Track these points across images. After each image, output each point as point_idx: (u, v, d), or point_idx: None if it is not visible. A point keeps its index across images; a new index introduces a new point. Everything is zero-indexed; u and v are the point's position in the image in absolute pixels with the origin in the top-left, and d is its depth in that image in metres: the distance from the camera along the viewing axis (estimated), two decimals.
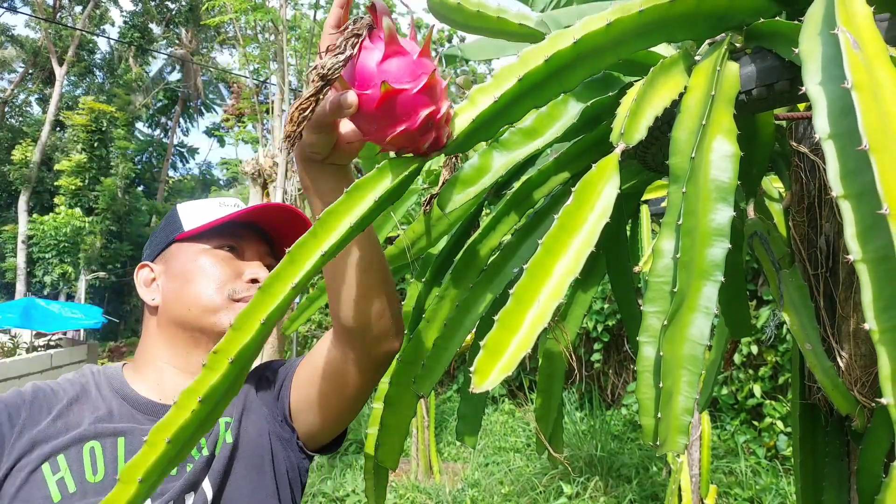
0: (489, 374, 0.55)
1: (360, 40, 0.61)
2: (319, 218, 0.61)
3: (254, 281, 0.92)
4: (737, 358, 4.69)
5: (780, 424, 4.48)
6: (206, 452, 0.86)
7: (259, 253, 0.97)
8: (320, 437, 0.94)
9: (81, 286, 17.12)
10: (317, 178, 0.73)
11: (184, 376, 0.89)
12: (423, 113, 0.62)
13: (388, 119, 0.63)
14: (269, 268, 0.96)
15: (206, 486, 0.83)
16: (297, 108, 0.61)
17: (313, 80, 0.60)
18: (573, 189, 0.63)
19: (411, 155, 0.68)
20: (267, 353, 5.20)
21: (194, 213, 0.95)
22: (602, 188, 0.63)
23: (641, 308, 0.65)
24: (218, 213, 0.95)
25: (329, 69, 0.59)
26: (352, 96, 0.61)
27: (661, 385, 0.61)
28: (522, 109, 0.71)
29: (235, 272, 0.91)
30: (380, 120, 0.63)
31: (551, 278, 0.60)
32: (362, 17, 0.62)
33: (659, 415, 0.61)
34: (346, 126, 0.71)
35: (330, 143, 0.71)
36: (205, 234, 0.92)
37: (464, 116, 0.68)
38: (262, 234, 0.99)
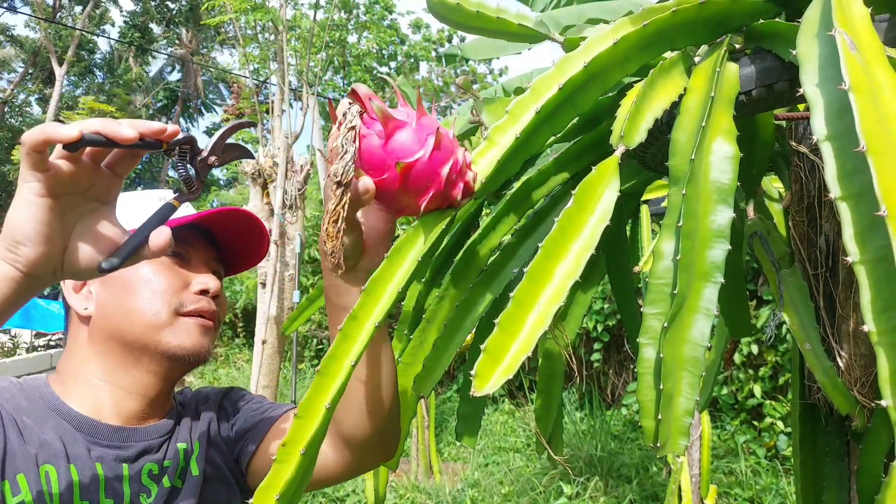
0: (490, 377, 0.55)
1: (357, 131, 0.61)
2: (365, 288, 0.61)
3: (203, 292, 0.84)
4: (737, 358, 4.69)
5: (780, 424, 4.48)
6: (167, 484, 0.80)
7: (206, 259, 0.89)
8: None
9: None
10: (348, 291, 0.71)
11: (122, 394, 0.81)
12: (445, 170, 0.63)
13: (415, 191, 0.63)
14: (216, 274, 0.89)
15: None
16: (328, 222, 0.61)
17: (332, 190, 0.60)
18: (573, 192, 0.63)
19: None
20: (267, 354, 5.20)
21: (132, 209, 0.79)
22: (602, 191, 0.64)
23: (642, 309, 0.65)
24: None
25: (343, 174, 0.59)
26: (365, 181, 0.61)
27: (661, 387, 0.61)
28: (542, 139, 0.72)
29: (182, 282, 0.83)
30: (407, 195, 0.64)
31: (551, 282, 0.60)
32: (349, 107, 0.62)
33: (660, 416, 0.61)
34: (371, 220, 0.70)
35: (359, 244, 0.69)
36: None
37: (487, 157, 0.68)
38: (209, 237, 0.91)
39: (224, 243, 0.94)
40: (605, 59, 0.69)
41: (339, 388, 0.59)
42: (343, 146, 0.60)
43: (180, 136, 0.60)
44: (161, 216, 0.60)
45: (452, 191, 0.65)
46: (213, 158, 0.65)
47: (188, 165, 0.63)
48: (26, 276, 0.53)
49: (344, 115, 0.61)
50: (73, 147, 0.51)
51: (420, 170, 0.62)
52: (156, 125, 0.55)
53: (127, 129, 0.52)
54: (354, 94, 0.63)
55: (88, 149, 0.54)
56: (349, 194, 0.60)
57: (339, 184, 0.60)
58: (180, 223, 0.83)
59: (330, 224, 0.61)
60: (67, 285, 0.82)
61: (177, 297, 0.82)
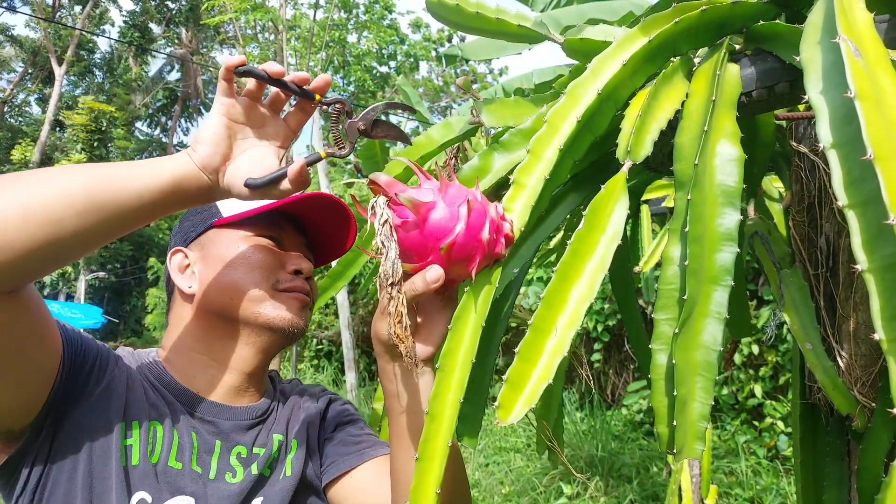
0: (513, 408, 0.56)
1: (391, 224, 0.61)
2: (439, 366, 0.61)
3: (297, 272, 0.88)
4: (737, 358, 4.68)
5: (780, 424, 4.48)
6: (254, 472, 0.82)
7: (298, 244, 0.93)
8: None
9: (81, 286, 17.11)
10: (411, 376, 0.70)
11: (221, 368, 0.85)
12: (485, 234, 0.62)
13: (463, 261, 0.63)
14: (308, 259, 0.92)
15: None
16: (394, 325, 0.60)
17: (387, 292, 0.60)
18: (584, 212, 0.64)
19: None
20: None
21: (232, 201, 0.90)
22: (612, 211, 0.64)
23: (652, 316, 0.65)
24: (256, 202, 0.91)
25: (394, 274, 0.59)
26: (434, 272, 0.62)
27: (675, 392, 0.61)
28: (566, 170, 0.72)
29: (278, 262, 0.87)
30: (456, 267, 0.63)
31: (567, 306, 0.60)
32: (375, 201, 0.62)
33: (675, 422, 0.61)
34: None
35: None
36: (245, 222, 0.89)
37: (519, 201, 0.68)
38: (299, 226, 0.95)
39: (312, 232, 0.97)
40: (617, 80, 0.70)
41: (442, 469, 0.59)
42: (384, 245, 0.60)
43: (332, 95, 0.69)
44: (308, 161, 0.68)
45: (496, 249, 0.64)
46: (361, 124, 0.70)
47: (338, 124, 0.69)
48: (199, 169, 0.67)
49: (373, 208, 0.61)
50: (239, 72, 0.66)
51: (462, 243, 0.61)
52: (300, 74, 0.68)
53: (279, 67, 0.67)
54: (375, 185, 0.63)
55: (269, 98, 0.71)
56: (404, 290, 0.61)
57: (392, 284, 0.60)
58: (272, 208, 0.89)
59: (397, 327, 0.60)
60: (173, 267, 0.89)
61: (274, 275, 0.86)
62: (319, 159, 0.69)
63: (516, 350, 0.58)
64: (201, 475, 0.78)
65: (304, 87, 0.68)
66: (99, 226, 0.62)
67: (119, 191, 0.63)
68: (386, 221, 0.61)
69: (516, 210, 0.67)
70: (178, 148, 27.59)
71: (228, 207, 0.90)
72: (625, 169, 0.66)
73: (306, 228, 0.96)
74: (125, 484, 0.73)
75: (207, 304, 0.85)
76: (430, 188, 0.64)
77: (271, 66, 0.67)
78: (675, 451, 0.62)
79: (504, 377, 0.57)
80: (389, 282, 0.59)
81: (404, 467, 0.73)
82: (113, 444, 0.74)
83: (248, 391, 0.87)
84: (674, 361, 0.61)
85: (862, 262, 0.46)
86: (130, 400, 0.78)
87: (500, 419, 0.55)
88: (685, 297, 0.60)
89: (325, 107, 0.69)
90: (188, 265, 0.88)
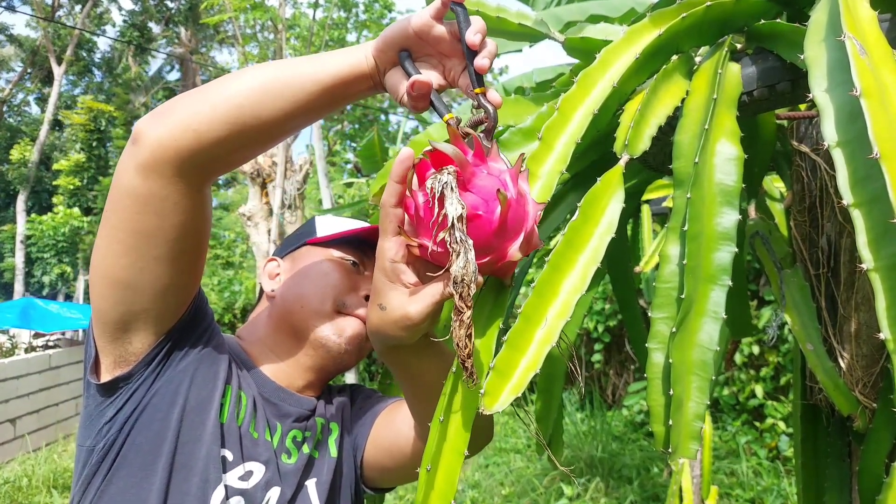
0: (499, 395, 0.55)
1: (466, 218, 0.54)
2: (470, 369, 0.56)
3: (367, 297, 0.89)
4: (738, 358, 4.68)
5: (781, 425, 4.47)
6: (306, 451, 0.87)
7: None
8: (380, 483, 0.97)
9: (80, 286, 17.10)
10: (417, 357, 0.71)
11: (282, 366, 0.90)
12: (531, 208, 0.58)
13: (511, 232, 0.58)
14: None
15: (313, 493, 0.85)
16: (463, 337, 0.53)
17: (464, 301, 0.53)
18: (578, 204, 0.63)
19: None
20: None
21: (329, 224, 0.99)
22: (607, 203, 0.64)
23: (649, 314, 0.65)
24: (349, 224, 0.98)
25: (473, 278, 0.52)
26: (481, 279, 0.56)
27: (671, 392, 0.61)
28: (570, 159, 0.72)
29: (352, 285, 0.91)
30: (503, 238, 0.58)
31: (558, 297, 0.60)
32: (444, 183, 0.54)
33: (670, 422, 0.61)
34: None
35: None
36: (334, 243, 0.94)
37: (533, 192, 0.66)
38: None
39: None
40: (629, 73, 0.70)
41: (450, 484, 0.59)
42: (461, 243, 0.52)
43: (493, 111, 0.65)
44: (433, 95, 0.67)
45: (534, 238, 0.59)
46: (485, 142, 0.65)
47: (470, 125, 0.65)
48: (373, 60, 0.69)
49: (435, 196, 0.54)
50: (452, 7, 0.65)
51: (514, 213, 0.57)
52: (485, 62, 0.65)
53: (476, 37, 0.64)
54: (438, 156, 0.56)
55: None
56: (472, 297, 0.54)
57: (468, 287, 0.52)
58: (356, 232, 0.93)
59: (467, 339, 0.53)
60: (264, 272, 0.97)
61: (343, 296, 0.89)
62: (441, 113, 0.65)
63: (504, 338, 0.58)
64: (270, 448, 0.83)
65: (481, 74, 0.65)
66: (278, 112, 0.66)
67: (297, 78, 0.66)
68: (462, 216, 0.53)
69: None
70: None
71: (324, 229, 0.97)
72: (622, 162, 0.66)
73: None
74: (219, 437, 0.77)
75: (281, 308, 0.91)
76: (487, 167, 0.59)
77: (472, 33, 0.64)
78: (670, 450, 0.62)
79: (491, 364, 0.57)
80: (466, 286, 0.52)
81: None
82: (214, 399, 0.78)
83: (303, 393, 0.91)
84: (670, 360, 0.61)
85: (867, 260, 0.46)
86: (233, 369, 0.83)
87: (485, 407, 0.54)
88: (682, 296, 0.60)
89: (475, 104, 0.65)
90: (278, 273, 0.96)
